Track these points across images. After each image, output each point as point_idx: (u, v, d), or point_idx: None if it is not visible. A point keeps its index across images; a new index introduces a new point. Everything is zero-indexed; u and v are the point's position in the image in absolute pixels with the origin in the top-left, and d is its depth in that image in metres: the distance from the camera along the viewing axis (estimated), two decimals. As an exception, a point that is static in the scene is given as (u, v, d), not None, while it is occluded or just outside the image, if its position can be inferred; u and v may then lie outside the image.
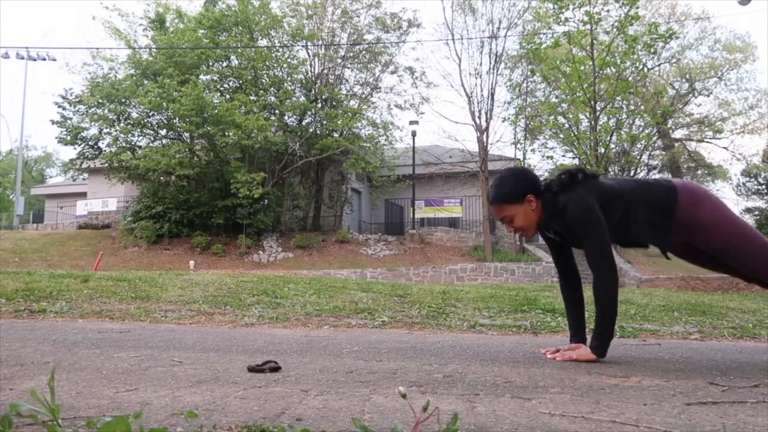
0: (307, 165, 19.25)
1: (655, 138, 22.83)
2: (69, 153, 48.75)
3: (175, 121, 17.90)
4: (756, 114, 26.86)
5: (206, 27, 18.54)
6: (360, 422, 1.05)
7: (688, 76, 25.97)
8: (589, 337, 2.27)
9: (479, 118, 18.39)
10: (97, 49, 19.60)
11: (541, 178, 2.32)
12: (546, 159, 22.70)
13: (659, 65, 23.41)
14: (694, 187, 2.18)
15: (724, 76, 26.28)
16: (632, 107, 17.38)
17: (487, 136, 18.41)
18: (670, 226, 2.14)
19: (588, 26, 10.50)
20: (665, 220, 2.14)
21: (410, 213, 20.59)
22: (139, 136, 19.58)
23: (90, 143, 19.32)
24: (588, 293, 2.30)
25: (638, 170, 25.66)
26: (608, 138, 11.12)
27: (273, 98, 18.94)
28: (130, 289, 4.77)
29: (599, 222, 2.10)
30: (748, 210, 34.79)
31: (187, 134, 19.07)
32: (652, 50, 11.08)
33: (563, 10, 10.73)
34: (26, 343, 2.43)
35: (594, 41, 10.56)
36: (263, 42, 19.37)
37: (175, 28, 19.10)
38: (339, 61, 20.42)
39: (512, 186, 2.22)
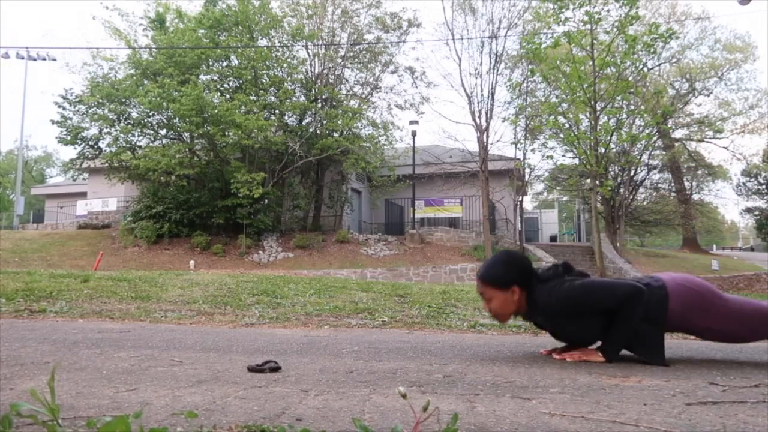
0: (307, 165, 19.24)
1: (655, 138, 22.81)
2: (69, 153, 48.78)
3: (175, 121, 17.90)
4: (756, 114, 26.88)
5: (206, 27, 18.53)
6: (360, 422, 1.05)
7: (688, 76, 25.96)
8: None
9: (479, 118, 18.39)
10: (97, 49, 19.62)
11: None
12: (546, 159, 22.71)
13: (659, 65, 23.38)
14: (686, 292, 2.11)
15: (724, 76, 26.28)
16: (632, 107, 17.35)
17: (487, 136, 18.41)
18: (662, 338, 2.12)
19: (588, 26, 10.49)
20: (656, 331, 2.10)
21: (410, 213, 20.59)
22: (139, 136, 19.58)
23: (90, 143, 19.31)
24: None
25: (638, 170, 25.65)
26: (608, 138, 11.10)
27: (273, 98, 18.94)
28: (130, 289, 4.77)
29: (585, 286, 2.10)
30: (748, 210, 34.80)
31: (187, 134, 19.06)
32: (652, 50, 11.06)
33: (563, 10, 10.72)
34: (26, 343, 2.43)
35: (594, 41, 10.55)
36: (263, 42, 19.36)
37: (175, 28, 19.09)
38: (339, 60, 20.42)
39: (502, 272, 2.22)
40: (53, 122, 18.70)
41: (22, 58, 27.72)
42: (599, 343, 2.18)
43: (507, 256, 2.33)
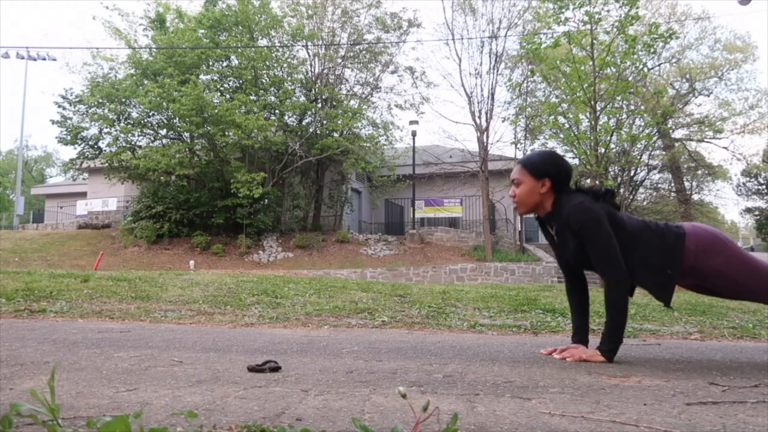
0: (307, 165, 19.25)
1: (655, 138, 22.81)
2: (69, 153, 48.85)
3: (175, 121, 17.90)
4: (756, 114, 26.85)
5: (206, 27, 18.54)
6: (360, 422, 1.05)
7: (688, 76, 25.95)
8: (592, 338, 2.27)
9: (479, 118, 18.39)
10: (97, 48, 19.64)
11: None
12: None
13: (659, 65, 23.38)
14: (704, 234, 2.17)
15: (724, 76, 26.27)
16: (632, 107, 17.35)
17: (487, 136, 18.42)
18: (675, 277, 2.15)
19: (588, 26, 10.49)
20: (672, 269, 2.14)
21: (410, 213, 20.59)
22: (139, 136, 19.60)
23: (90, 143, 19.33)
24: (592, 295, 2.32)
25: (638, 170, 25.64)
26: (608, 138, 11.10)
27: (273, 98, 18.94)
28: (130, 289, 4.77)
29: (607, 231, 2.11)
30: (748, 210, 34.78)
31: (187, 134, 19.07)
32: (652, 50, 11.06)
33: (563, 10, 10.72)
34: (26, 343, 2.43)
35: (594, 41, 10.55)
36: (263, 42, 19.37)
37: (175, 28, 19.10)
38: (339, 60, 20.42)
39: (541, 161, 2.28)
40: (53, 122, 18.73)
41: (22, 58, 27.74)
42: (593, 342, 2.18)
43: (553, 152, 2.41)
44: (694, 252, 2.13)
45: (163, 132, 19.69)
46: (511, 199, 2.33)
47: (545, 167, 2.24)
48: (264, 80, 19.01)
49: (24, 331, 2.81)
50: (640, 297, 4.98)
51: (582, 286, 2.37)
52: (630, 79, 13.18)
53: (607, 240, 2.10)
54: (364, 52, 20.65)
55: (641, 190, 29.24)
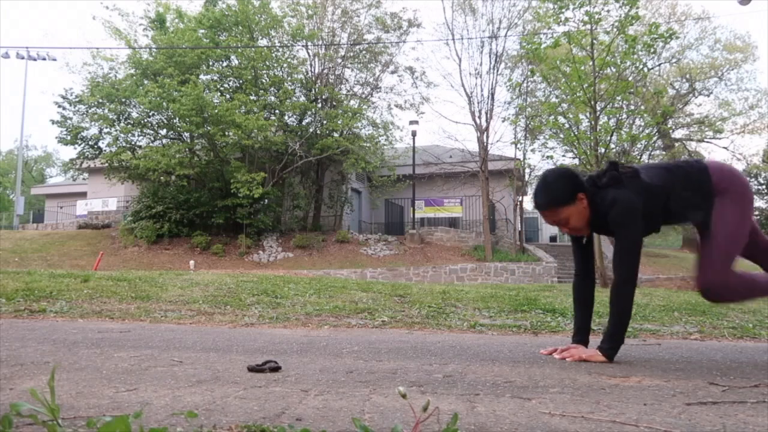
0: (307, 165, 19.25)
1: (655, 138, 22.81)
2: (69, 153, 48.84)
3: (175, 121, 17.91)
4: (756, 114, 26.84)
5: (206, 27, 18.55)
6: (360, 422, 1.05)
7: (688, 76, 25.94)
8: (592, 338, 2.27)
9: (479, 118, 18.39)
10: (97, 48, 19.64)
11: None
12: (546, 159, 22.70)
13: (659, 65, 23.37)
14: (724, 166, 2.23)
15: (724, 76, 26.25)
16: (632, 107, 17.34)
17: (487, 136, 18.42)
18: (710, 209, 2.17)
19: (588, 26, 10.50)
20: (707, 203, 2.17)
21: (410, 213, 20.59)
22: (139, 136, 19.60)
23: (90, 143, 19.34)
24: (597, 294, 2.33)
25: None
26: (608, 138, 11.10)
27: (273, 98, 18.95)
28: (130, 289, 4.77)
29: (637, 227, 2.12)
30: (748, 210, 34.72)
31: (187, 134, 19.07)
32: (652, 50, 11.07)
33: (563, 10, 10.74)
34: (26, 343, 2.43)
35: (594, 41, 10.56)
36: (263, 42, 19.37)
37: (175, 28, 19.10)
38: (339, 60, 20.42)
39: (563, 188, 2.19)
40: (53, 122, 18.73)
41: (22, 58, 27.75)
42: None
43: (553, 172, 2.30)
44: (715, 183, 2.16)
45: (163, 132, 19.70)
46: (569, 234, 2.28)
47: (569, 189, 2.18)
48: (264, 80, 19.01)
49: (24, 331, 2.81)
50: (640, 297, 4.98)
51: (590, 286, 2.36)
52: (630, 79, 13.18)
53: (635, 240, 2.11)
54: (364, 52, 20.65)
55: (641, 190, 29.18)
